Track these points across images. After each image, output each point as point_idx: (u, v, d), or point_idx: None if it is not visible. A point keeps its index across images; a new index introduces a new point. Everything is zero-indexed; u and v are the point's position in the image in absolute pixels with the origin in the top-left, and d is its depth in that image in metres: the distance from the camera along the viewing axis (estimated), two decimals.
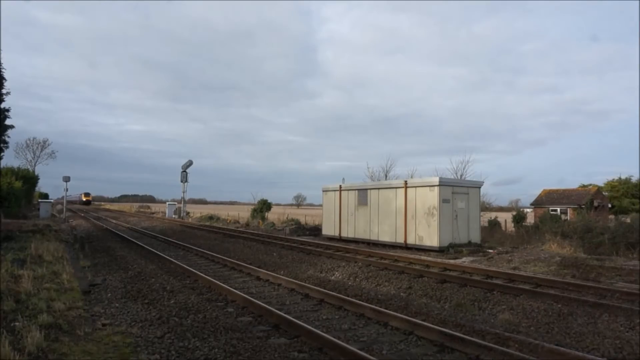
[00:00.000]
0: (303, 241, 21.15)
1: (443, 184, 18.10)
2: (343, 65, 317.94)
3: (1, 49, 22.07)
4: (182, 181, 49.03)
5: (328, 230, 24.38)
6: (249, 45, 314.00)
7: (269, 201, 39.29)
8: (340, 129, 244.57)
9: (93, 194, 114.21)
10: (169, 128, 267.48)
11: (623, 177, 49.13)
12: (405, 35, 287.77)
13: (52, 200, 50.87)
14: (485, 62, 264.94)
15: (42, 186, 62.13)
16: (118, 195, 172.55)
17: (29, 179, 42.14)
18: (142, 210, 69.98)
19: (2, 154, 24.08)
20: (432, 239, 17.68)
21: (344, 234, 22.89)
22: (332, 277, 11.75)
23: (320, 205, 26.38)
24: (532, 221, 31.98)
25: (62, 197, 40.77)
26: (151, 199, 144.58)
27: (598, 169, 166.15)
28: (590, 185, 46.77)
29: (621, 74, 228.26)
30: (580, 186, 46.45)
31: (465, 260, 14.70)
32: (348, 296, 8.82)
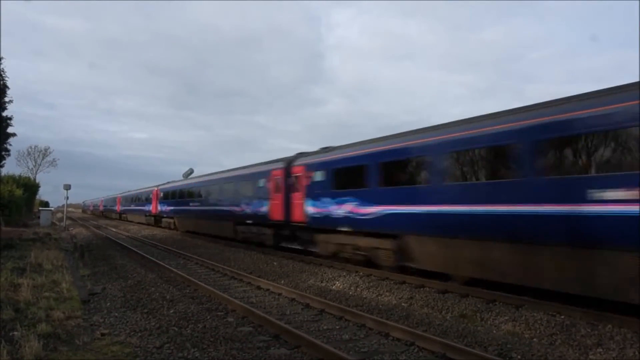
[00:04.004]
0: (304, 250, 21.03)
1: None
2: (349, 72, 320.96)
3: (2, 57, 21.98)
4: None
5: None
6: (255, 51, 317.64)
7: None
8: (344, 136, 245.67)
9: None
10: (172, 135, 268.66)
11: None
12: (414, 41, 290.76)
13: (52, 209, 50.90)
14: (493, 68, 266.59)
15: (42, 194, 62.35)
16: None
17: (30, 187, 42.29)
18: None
19: (3, 162, 24.17)
20: None
21: None
22: (333, 287, 11.68)
23: None
24: None
25: (63, 205, 40.79)
26: None
27: None
28: None
29: (630, 81, 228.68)
30: None
31: None
32: (349, 306, 8.77)
